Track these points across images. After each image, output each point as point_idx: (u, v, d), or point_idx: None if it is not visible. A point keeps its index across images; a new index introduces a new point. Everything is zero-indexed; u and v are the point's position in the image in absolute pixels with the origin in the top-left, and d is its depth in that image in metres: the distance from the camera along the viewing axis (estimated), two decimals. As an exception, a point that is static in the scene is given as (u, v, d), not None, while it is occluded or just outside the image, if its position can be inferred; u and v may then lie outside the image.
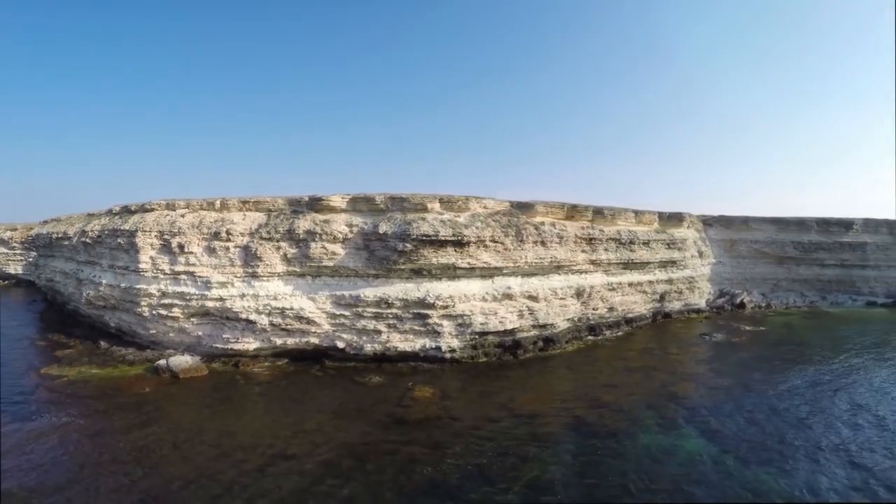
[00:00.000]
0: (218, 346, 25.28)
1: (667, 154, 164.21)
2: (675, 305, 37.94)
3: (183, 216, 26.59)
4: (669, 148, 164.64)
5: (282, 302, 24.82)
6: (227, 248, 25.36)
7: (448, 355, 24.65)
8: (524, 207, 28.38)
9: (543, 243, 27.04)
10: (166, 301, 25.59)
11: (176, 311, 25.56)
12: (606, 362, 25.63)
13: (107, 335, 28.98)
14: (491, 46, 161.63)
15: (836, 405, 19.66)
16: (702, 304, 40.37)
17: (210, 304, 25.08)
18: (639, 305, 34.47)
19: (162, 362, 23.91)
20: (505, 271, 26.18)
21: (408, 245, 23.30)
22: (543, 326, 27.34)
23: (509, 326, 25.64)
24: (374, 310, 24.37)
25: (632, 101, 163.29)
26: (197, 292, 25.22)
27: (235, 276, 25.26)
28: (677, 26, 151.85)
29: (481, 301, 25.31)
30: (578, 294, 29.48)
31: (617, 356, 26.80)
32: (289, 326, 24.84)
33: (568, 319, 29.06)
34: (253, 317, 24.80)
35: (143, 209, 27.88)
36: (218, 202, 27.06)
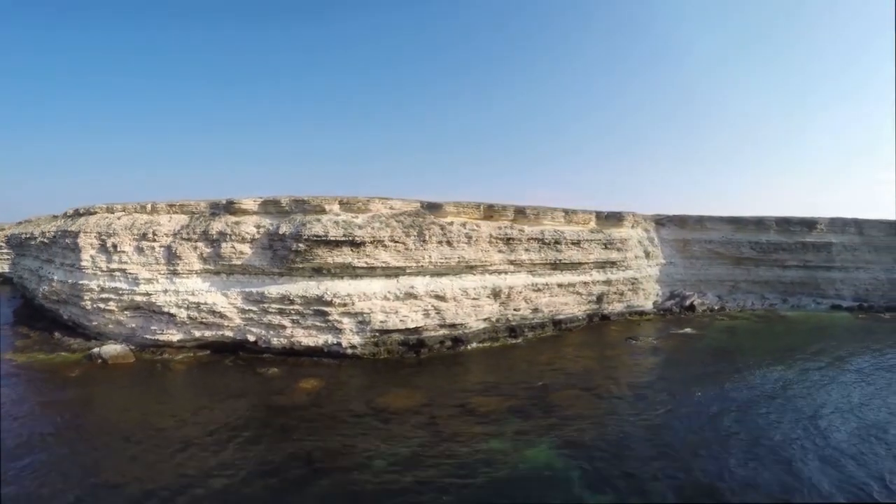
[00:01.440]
0: (148, 336, 28.09)
1: (682, 156, 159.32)
2: (615, 307, 37.86)
3: (119, 219, 29.66)
4: (684, 150, 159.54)
5: (199, 297, 27.33)
6: (153, 248, 28.14)
7: (349, 351, 26.33)
8: (434, 208, 29.52)
9: (450, 243, 28.19)
10: (104, 296, 28.66)
11: (112, 305, 28.62)
12: (510, 365, 25.80)
13: (62, 327, 32.55)
14: (494, 50, 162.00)
15: (724, 430, 17.36)
16: (648, 306, 39.97)
17: (139, 298, 27.94)
18: (570, 307, 34.81)
19: (95, 350, 26.97)
20: (409, 271, 27.54)
21: (301, 245, 25.17)
22: (453, 326, 28.47)
23: (411, 325, 26.98)
24: (277, 306, 26.44)
25: (641, 105, 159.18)
26: (128, 288, 28.17)
27: (160, 274, 28.01)
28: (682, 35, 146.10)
29: (383, 300, 26.84)
30: (495, 294, 30.38)
31: (526, 359, 26.89)
32: (205, 320, 27.32)
33: (484, 319, 30.00)
34: (174, 311, 27.47)
35: (88, 212, 31.28)
36: (149, 206, 29.96)
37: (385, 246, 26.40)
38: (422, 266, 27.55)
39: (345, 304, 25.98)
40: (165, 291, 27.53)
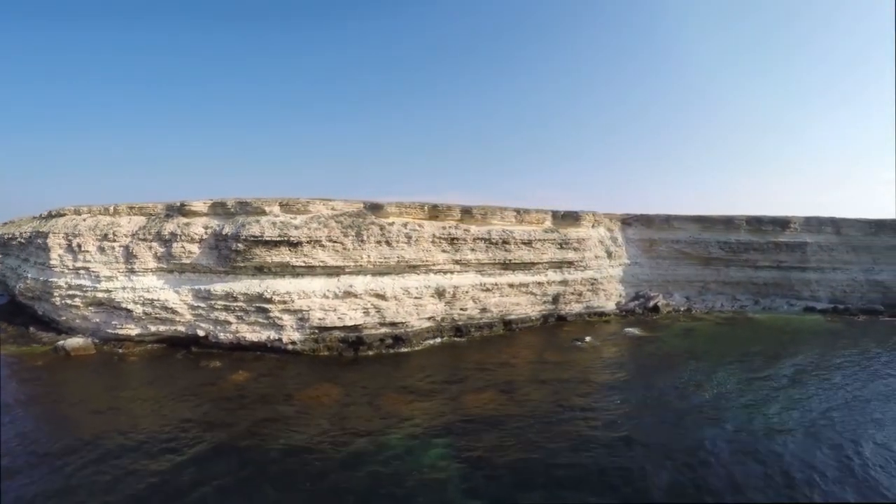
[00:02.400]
0: (110, 331, 30.43)
1: (687, 159, 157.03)
2: (573, 308, 38.56)
3: (84, 220, 32.20)
4: (692, 152, 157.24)
5: (153, 294, 29.56)
6: (114, 248, 30.50)
7: (290, 347, 28.07)
8: (376, 208, 30.99)
9: (389, 243, 29.65)
10: (70, 293, 31.21)
11: (77, 301, 31.13)
12: (442, 365, 26.65)
13: (38, 322, 35.33)
14: (498, 54, 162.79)
15: (624, 446, 16.79)
16: (609, 306, 40.49)
17: (100, 295, 30.34)
18: (523, 307, 35.75)
19: (60, 343, 29.49)
20: (348, 270, 29.13)
21: (240, 245, 27.02)
22: (394, 325, 29.91)
23: (350, 323, 28.55)
24: (223, 303, 28.39)
25: (648, 107, 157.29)
26: (91, 285, 30.62)
27: (119, 272, 30.37)
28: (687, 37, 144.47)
29: (322, 298, 28.50)
30: (439, 294, 31.66)
31: (462, 359, 27.76)
32: (159, 316, 29.52)
33: (428, 319, 31.32)
34: (131, 307, 29.75)
35: (59, 214, 34.04)
36: (112, 208, 32.40)
37: (323, 246, 28.04)
38: (361, 265, 29.07)
39: (284, 302, 27.72)
40: (124, 288, 29.84)
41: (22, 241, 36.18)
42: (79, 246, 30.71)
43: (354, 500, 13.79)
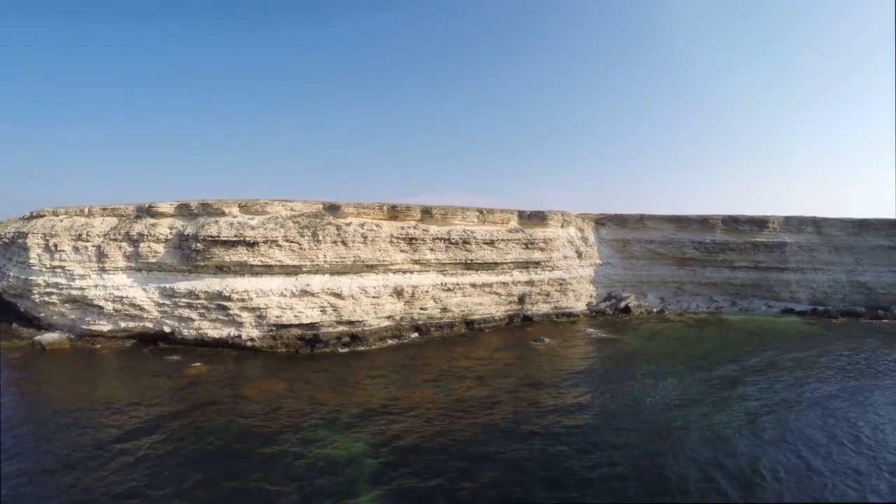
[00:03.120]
0: (84, 327, 32.66)
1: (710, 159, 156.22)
2: (540, 308, 39.55)
3: (61, 221, 34.60)
4: (700, 153, 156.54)
5: (122, 292, 31.67)
6: (87, 247, 32.77)
7: (249, 343, 29.81)
8: (333, 209, 32.65)
9: (345, 243, 31.21)
10: (48, 290, 33.58)
11: (54, 298, 33.49)
12: (393, 363, 27.92)
13: (21, 318, 37.88)
14: (498, 56, 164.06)
15: (543, 450, 17.11)
16: (579, 307, 41.34)
17: (75, 292, 32.61)
18: (486, 307, 36.92)
19: (37, 338, 31.93)
20: (305, 269, 30.79)
21: (199, 245, 28.91)
22: (351, 323, 31.42)
23: (306, 321, 30.19)
24: (186, 300, 30.34)
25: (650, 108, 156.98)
26: (66, 283, 32.92)
27: (92, 270, 32.61)
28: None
29: (279, 296, 30.20)
30: (398, 293, 33.09)
31: (416, 358, 29.01)
32: (128, 312, 31.62)
33: (387, 318, 32.77)
34: (103, 304, 31.92)
35: (39, 215, 36.55)
36: (87, 209, 34.70)
37: (279, 245, 29.74)
38: (317, 265, 30.68)
39: (243, 300, 29.51)
40: (96, 286, 32.03)
41: (6, 241, 38.84)
42: (55, 246, 33.01)
43: (260, 477, 15.25)
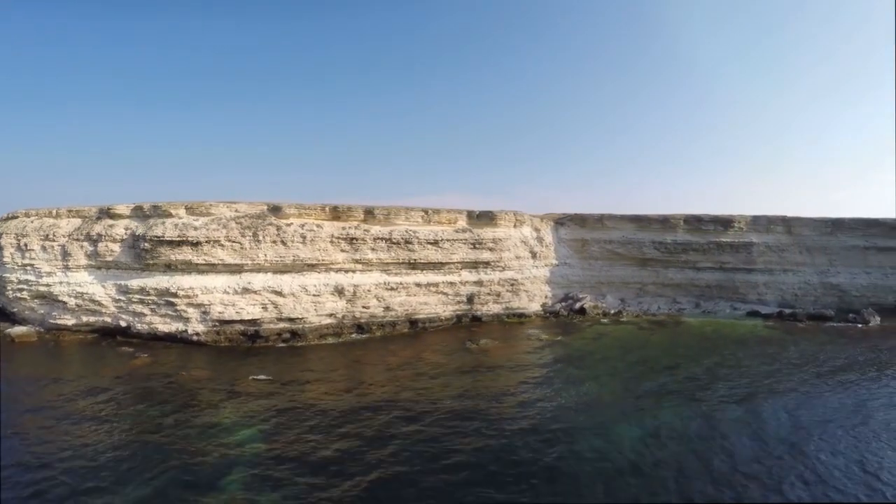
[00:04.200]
0: (51, 321, 37.12)
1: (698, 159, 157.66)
2: (491, 308, 41.96)
3: (32, 222, 39.17)
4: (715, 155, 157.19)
5: (84, 288, 35.86)
6: (53, 247, 37.15)
7: (195, 338, 33.50)
8: (276, 210, 36.03)
9: (284, 242, 34.51)
10: (20, 287, 38.18)
11: (25, 294, 38.06)
12: (321, 359, 31.05)
13: (0, 314, 43.09)
14: (497, 57, 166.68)
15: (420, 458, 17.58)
16: (533, 307, 43.54)
17: (42, 289, 37.06)
18: (432, 306, 39.62)
19: (8, 331, 36.58)
20: (247, 268, 34.23)
21: (147, 245, 32.76)
22: (291, 320, 34.75)
23: (247, 317, 33.65)
24: (139, 296, 34.22)
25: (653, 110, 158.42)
26: (35, 280, 37.40)
27: (57, 268, 36.94)
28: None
29: (223, 293, 33.73)
30: (339, 292, 36.19)
31: (347, 354, 32.20)
32: (89, 308, 35.81)
33: (328, 315, 35.97)
34: (66, 299, 36.21)
35: (13, 216, 41.25)
36: (55, 211, 39.17)
37: (222, 245, 33.30)
38: (259, 264, 34.08)
39: (189, 297, 33.18)
40: (61, 283, 36.36)
41: (-15, 240, 43.71)
42: (25, 245, 37.55)
43: (153, 451, 18.42)
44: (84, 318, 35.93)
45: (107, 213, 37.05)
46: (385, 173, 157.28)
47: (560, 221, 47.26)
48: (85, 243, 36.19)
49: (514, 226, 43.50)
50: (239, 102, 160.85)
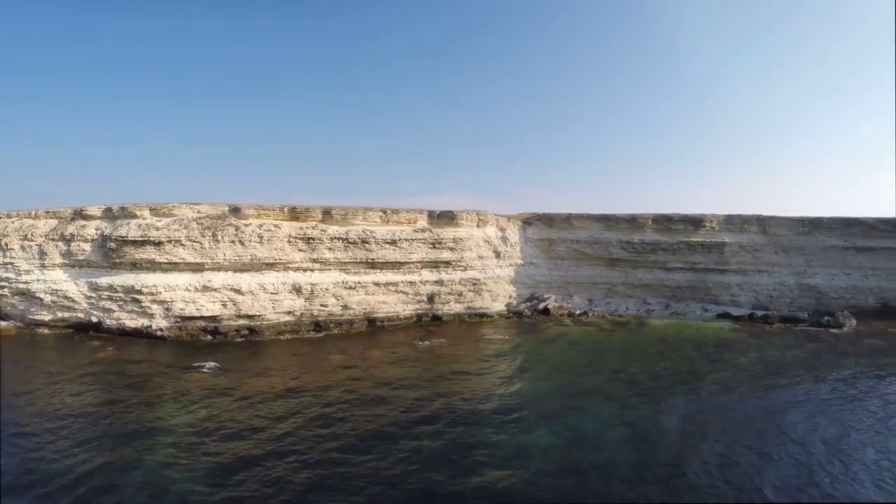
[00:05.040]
0: (30, 317, 41.46)
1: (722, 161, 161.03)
2: (453, 308, 44.54)
3: (13, 222, 43.53)
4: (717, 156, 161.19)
5: (59, 286, 39.93)
6: (31, 246, 41.41)
7: (159, 333, 37.16)
8: (236, 211, 39.36)
9: (242, 242, 37.80)
10: (1, 284, 42.61)
11: (6, 291, 42.47)
12: (272, 354, 34.43)
13: (-15, 308, 47.71)
14: (494, 56, 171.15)
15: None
16: (496, 307, 45.91)
17: (21, 286, 41.37)
18: (391, 305, 42.47)
19: (-10, 326, 40.96)
20: (207, 267, 37.68)
21: (112, 244, 36.53)
22: (250, 317, 38.09)
23: (207, 314, 37.15)
24: (108, 293, 38.04)
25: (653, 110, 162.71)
26: (14, 277, 41.74)
27: (35, 266, 41.16)
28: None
29: (184, 291, 37.25)
30: (297, 290, 39.33)
31: (297, 351, 35.40)
32: (63, 304, 39.87)
33: (286, 313, 39.23)
34: (43, 296, 40.38)
35: (-4, 217, 45.76)
36: (33, 212, 43.46)
37: (183, 245, 36.83)
38: (218, 263, 37.51)
39: (153, 294, 36.80)
40: (38, 281, 40.57)
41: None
42: (6, 244, 41.91)
43: (90, 424, 21.78)
44: (59, 314, 39.98)
45: (80, 215, 41.09)
46: (385, 173, 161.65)
47: (528, 221, 49.46)
48: (60, 243, 40.25)
49: (477, 225, 45.94)
50: (237, 102, 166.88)
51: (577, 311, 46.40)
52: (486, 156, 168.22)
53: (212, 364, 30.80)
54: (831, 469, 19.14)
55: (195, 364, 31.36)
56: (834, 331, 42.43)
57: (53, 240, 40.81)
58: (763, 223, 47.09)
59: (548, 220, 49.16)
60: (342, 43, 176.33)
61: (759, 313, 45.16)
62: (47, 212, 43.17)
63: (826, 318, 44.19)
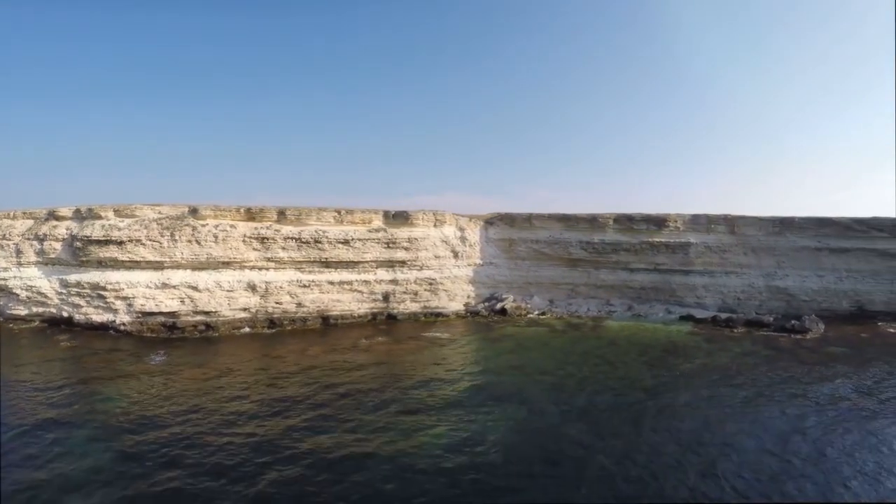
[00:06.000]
0: (8, 312, 47.14)
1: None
2: (409, 307, 48.07)
3: (-6, 222, 49.19)
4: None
5: (33, 282, 45.32)
6: (9, 245, 47.01)
7: (122, 327, 42.06)
8: (194, 211, 43.80)
9: (198, 242, 42.17)
10: (-17, 280, 48.37)
11: (-13, 287, 48.19)
12: (219, 351, 39.00)
13: (-28, 303, 53.79)
14: (493, 56, 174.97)
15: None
16: (453, 307, 49.20)
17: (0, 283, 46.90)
18: (345, 304, 46.37)
19: (-27, 320, 46.71)
20: (166, 265, 42.29)
21: (79, 243, 41.35)
22: (207, 313, 42.52)
23: (166, 310, 41.78)
24: (76, 290, 43.10)
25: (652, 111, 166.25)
26: (-5, 274, 47.34)
27: (12, 264, 46.73)
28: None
29: (145, 288, 41.90)
30: (252, 288, 43.53)
31: (244, 346, 40.36)
32: (37, 300, 45.26)
33: (242, 310, 43.57)
34: (19, 292, 45.90)
35: (-20, 217, 51.63)
36: (12, 213, 49.10)
37: (143, 244, 41.56)
38: (176, 261, 42.05)
39: (116, 290, 41.64)
40: (15, 278, 46.15)
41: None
42: (-13, 243, 47.34)
43: (31, 405, 26.28)
44: (34, 309, 45.41)
45: (53, 215, 46.46)
46: (384, 173, 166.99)
47: (490, 221, 52.57)
48: (34, 242, 45.65)
49: (435, 225, 49.31)
50: (233, 100, 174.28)
51: (536, 312, 49.21)
52: (487, 156, 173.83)
53: (160, 357, 35.24)
54: (679, 475, 20.68)
55: (146, 356, 36.05)
56: (798, 336, 44.06)
57: (29, 239, 46.26)
58: (731, 223, 48.82)
59: (509, 219, 52.06)
60: (355, 39, 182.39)
61: (724, 316, 47.03)
62: (24, 213, 48.78)
63: (793, 322, 45.65)
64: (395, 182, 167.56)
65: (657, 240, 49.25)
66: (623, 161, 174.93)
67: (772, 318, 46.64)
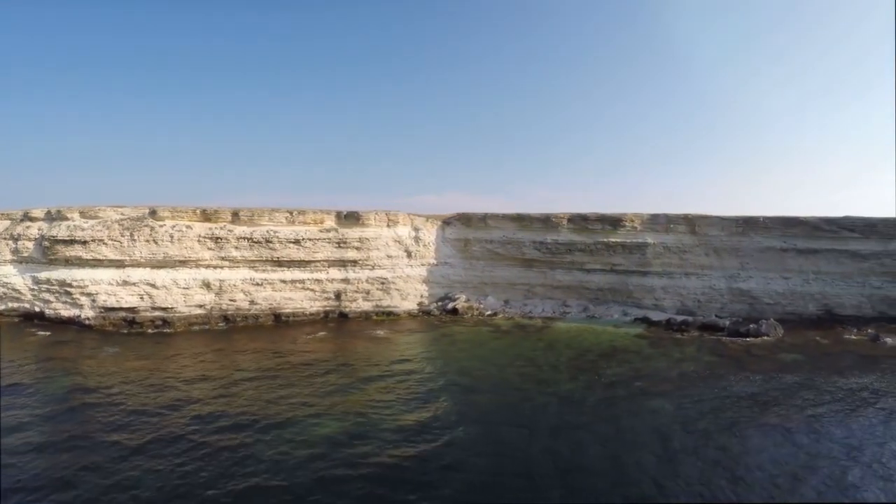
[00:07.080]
0: (-9, 306, 54.22)
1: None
2: (361, 306, 52.62)
3: (-23, 222, 56.41)
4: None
5: (8, 279, 52.40)
6: (-12, 243, 53.94)
7: (87, 322, 48.38)
8: (154, 213, 49.36)
9: (156, 241, 47.75)
10: (-31, 276, 55.76)
11: (-27, 283, 55.54)
12: (170, 345, 45.59)
13: (-37, 298, 61.70)
14: (490, 57, 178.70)
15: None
16: (406, 306, 53.48)
17: (-17, 279, 54.09)
18: (297, 302, 51.49)
19: (-40, 313, 54.16)
20: (127, 263, 48.19)
21: (46, 243, 47.60)
22: (164, 309, 48.26)
23: (126, 305, 47.81)
24: (46, 286, 49.65)
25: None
26: (-22, 271, 54.57)
27: (-9, 262, 53.65)
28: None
29: (108, 285, 47.85)
30: (207, 286, 48.91)
31: (194, 340, 46.75)
32: (12, 296, 52.45)
33: (197, 306, 49.17)
34: (-2, 288, 52.78)
35: (-33, 217, 59.09)
36: (-8, 213, 56.10)
37: (105, 244, 47.55)
38: (136, 260, 47.91)
39: (81, 287, 47.86)
40: (-6, 274, 52.87)
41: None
42: (-29, 242, 54.61)
43: None
44: (10, 304, 52.48)
45: (27, 217, 53.39)
46: (384, 173, 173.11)
47: (448, 221, 56.58)
48: (10, 241, 52.63)
49: (388, 225, 53.64)
50: (230, 99, 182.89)
51: (488, 312, 52.85)
52: (487, 156, 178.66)
53: (113, 349, 40.99)
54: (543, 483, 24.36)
55: (100, 348, 42.03)
56: (751, 340, 45.99)
57: (5, 239, 53.31)
58: (692, 223, 50.92)
59: (465, 219, 55.75)
60: (349, 37, 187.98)
61: (679, 318, 49.39)
62: (2, 213, 55.91)
63: (749, 326, 47.40)
64: (396, 182, 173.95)
65: (613, 240, 51.86)
66: (622, 161, 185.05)
67: (728, 322, 48.63)
